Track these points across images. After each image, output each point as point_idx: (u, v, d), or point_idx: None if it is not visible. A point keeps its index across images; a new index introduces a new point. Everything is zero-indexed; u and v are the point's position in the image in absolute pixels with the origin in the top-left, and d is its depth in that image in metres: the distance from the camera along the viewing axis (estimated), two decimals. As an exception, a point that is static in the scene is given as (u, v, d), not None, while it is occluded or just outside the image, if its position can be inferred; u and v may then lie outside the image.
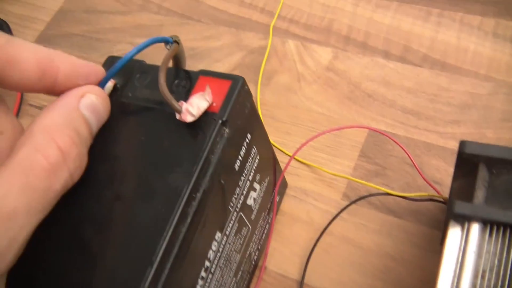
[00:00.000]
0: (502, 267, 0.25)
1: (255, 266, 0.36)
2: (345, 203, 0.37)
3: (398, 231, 0.35)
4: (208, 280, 0.29)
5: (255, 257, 0.36)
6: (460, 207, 0.26)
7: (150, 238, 0.24)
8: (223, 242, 0.30)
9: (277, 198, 0.37)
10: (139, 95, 0.29)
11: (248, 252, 0.34)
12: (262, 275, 0.36)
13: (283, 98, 0.43)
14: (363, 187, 0.37)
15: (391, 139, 0.37)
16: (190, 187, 0.25)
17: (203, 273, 0.29)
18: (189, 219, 0.25)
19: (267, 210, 0.36)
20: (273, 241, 0.38)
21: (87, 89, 0.26)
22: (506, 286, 0.25)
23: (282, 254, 0.37)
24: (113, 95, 0.29)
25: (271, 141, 0.39)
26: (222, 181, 0.28)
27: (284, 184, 0.39)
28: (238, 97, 0.29)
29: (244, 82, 0.29)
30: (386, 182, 0.37)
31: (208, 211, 0.27)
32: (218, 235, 0.30)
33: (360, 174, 0.38)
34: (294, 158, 0.39)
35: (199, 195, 0.26)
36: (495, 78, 0.40)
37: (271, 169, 0.35)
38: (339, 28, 0.45)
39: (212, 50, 0.46)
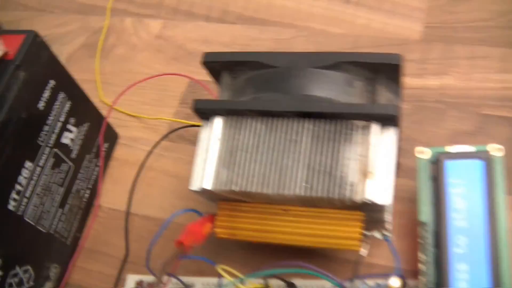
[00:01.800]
0: (238, 146, 0.31)
1: (89, 204, 0.42)
2: (165, 142, 0.42)
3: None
4: (24, 203, 0.34)
5: (86, 195, 0.41)
6: (200, 103, 0.32)
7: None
8: (37, 172, 0.35)
9: (105, 145, 0.42)
10: None
11: (75, 189, 0.40)
12: (97, 212, 0.41)
13: (119, 66, 0.48)
14: (184, 130, 0.43)
15: (204, 86, 0.43)
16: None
17: (15, 195, 0.34)
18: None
19: (93, 154, 0.41)
20: (106, 183, 0.43)
21: None
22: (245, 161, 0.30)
23: (114, 193, 0.42)
24: None
25: (107, 101, 0.44)
26: (23, 116, 0.33)
27: (115, 135, 0.44)
28: (31, 47, 0.34)
29: (36, 35, 0.35)
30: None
31: (11, 139, 0.32)
32: (28, 164, 0.35)
33: (180, 118, 0.44)
34: (125, 112, 0.45)
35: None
36: (297, 25, 0.47)
37: (90, 116, 0.41)
38: (169, 2, 0.51)
39: (61, 36, 0.52)
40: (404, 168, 0.39)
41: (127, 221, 0.40)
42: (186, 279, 0.36)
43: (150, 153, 0.41)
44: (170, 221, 0.33)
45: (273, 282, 0.35)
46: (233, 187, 0.30)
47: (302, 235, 0.32)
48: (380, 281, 0.33)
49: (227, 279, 0.31)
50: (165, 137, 0.42)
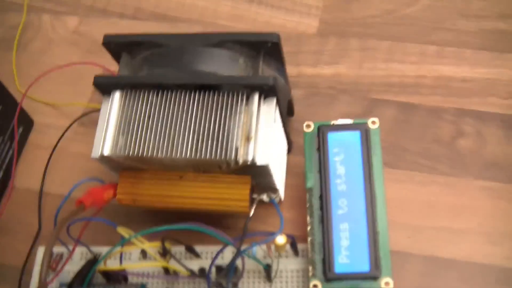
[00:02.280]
0: (134, 116, 0.34)
1: (3, 186, 0.43)
2: (79, 127, 0.45)
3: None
4: None
5: (-1, 177, 0.43)
6: (100, 79, 0.35)
7: None
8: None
9: (20, 129, 0.45)
10: None
11: (-13, 170, 0.42)
12: (11, 193, 0.43)
13: (35, 58, 0.51)
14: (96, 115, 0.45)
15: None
16: None
17: None
18: None
19: (7, 137, 0.43)
20: (21, 166, 0.45)
21: None
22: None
23: (29, 175, 0.44)
24: None
25: (22, 90, 0.46)
26: None
27: (30, 121, 0.47)
28: None
29: None
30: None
31: None
32: None
33: (94, 103, 0.46)
34: (40, 101, 0.47)
35: None
36: (205, 21, 0.50)
37: (3, 102, 0.43)
38: (85, 1, 0.54)
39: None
40: (296, 146, 0.42)
41: (40, 199, 0.42)
42: (95, 248, 0.38)
43: (63, 136, 0.44)
44: (75, 188, 0.36)
45: (175, 249, 0.38)
46: (129, 152, 0.33)
47: (196, 198, 0.35)
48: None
49: (125, 237, 0.33)
50: (77, 120, 0.44)
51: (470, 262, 0.37)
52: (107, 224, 0.35)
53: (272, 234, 0.34)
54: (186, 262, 0.37)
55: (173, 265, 0.36)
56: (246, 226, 0.34)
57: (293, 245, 0.36)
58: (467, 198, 0.39)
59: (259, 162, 0.33)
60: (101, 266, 0.35)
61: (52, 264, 0.39)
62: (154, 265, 0.37)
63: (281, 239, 0.34)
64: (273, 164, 0.34)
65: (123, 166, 0.36)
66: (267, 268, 0.36)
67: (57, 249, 0.39)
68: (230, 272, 0.34)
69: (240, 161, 0.33)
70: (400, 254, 0.38)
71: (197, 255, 0.37)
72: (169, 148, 0.33)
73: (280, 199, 0.38)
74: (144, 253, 0.38)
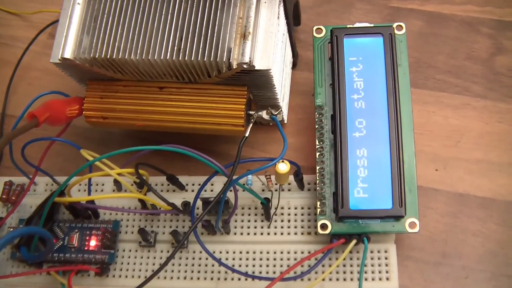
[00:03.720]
0: (102, 10, 0.27)
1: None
2: (48, 40, 0.38)
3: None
4: None
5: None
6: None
7: None
8: None
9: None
10: None
11: None
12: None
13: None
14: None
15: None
16: None
17: None
18: None
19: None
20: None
21: None
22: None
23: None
24: None
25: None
26: None
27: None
28: None
29: None
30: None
31: None
32: None
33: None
34: (7, 10, 0.41)
35: None
36: None
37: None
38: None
39: None
40: (303, 61, 0.36)
41: (2, 122, 0.36)
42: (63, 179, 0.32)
43: (27, 49, 0.37)
44: (33, 102, 0.29)
45: (155, 179, 0.32)
46: (95, 54, 0.27)
47: (180, 115, 0.29)
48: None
49: (88, 159, 0.27)
50: (44, 29, 0.37)
51: (506, 201, 0.31)
52: (70, 145, 0.28)
53: (273, 160, 0.27)
54: (167, 195, 0.30)
55: (151, 198, 0.29)
56: (240, 148, 0.27)
57: (298, 175, 0.30)
58: (505, 126, 0.32)
59: (259, 65, 0.26)
60: (64, 198, 0.29)
61: (11, 196, 0.33)
62: (128, 196, 0.31)
63: (283, 166, 0.27)
64: (276, 70, 0.27)
65: (91, 75, 0.29)
66: (266, 204, 0.29)
67: (18, 179, 0.33)
68: (220, 206, 0.28)
69: (234, 64, 0.26)
70: (425, 190, 0.31)
71: (181, 186, 0.31)
72: (145, 49, 0.26)
73: (282, 120, 0.31)
74: (119, 185, 0.31)
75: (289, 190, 0.31)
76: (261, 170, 0.27)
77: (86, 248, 0.30)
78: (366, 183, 0.28)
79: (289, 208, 0.30)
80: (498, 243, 0.30)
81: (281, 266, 0.29)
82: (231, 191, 0.28)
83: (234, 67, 0.26)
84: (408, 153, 0.28)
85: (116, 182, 0.31)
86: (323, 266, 0.29)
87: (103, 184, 0.33)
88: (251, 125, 0.29)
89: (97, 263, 0.30)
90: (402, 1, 0.37)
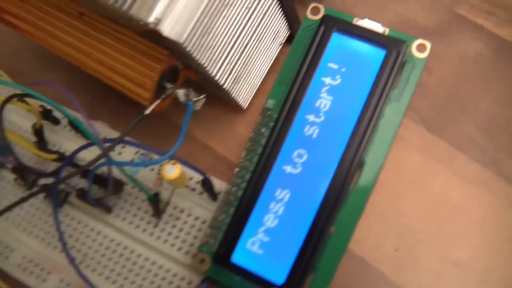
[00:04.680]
0: None
1: None
2: None
3: None
4: None
5: None
6: None
7: None
8: None
9: None
10: None
11: None
12: None
13: None
14: None
15: None
16: None
17: None
18: None
19: None
20: None
21: None
22: None
23: None
24: None
25: None
26: None
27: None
28: None
29: None
30: None
31: None
32: None
33: None
34: None
35: None
36: None
37: None
38: None
39: None
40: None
41: None
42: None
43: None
44: None
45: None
46: None
47: (91, 56, 0.22)
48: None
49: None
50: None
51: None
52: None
53: (163, 155, 0.20)
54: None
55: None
56: (133, 125, 0.20)
57: (206, 184, 0.23)
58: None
59: (168, 32, 0.18)
60: None
61: None
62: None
63: (170, 170, 0.20)
64: (205, 44, 0.20)
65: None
66: (153, 199, 0.23)
67: None
68: (88, 180, 0.21)
69: (140, 18, 0.18)
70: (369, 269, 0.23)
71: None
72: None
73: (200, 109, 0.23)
74: None
75: (200, 193, 0.24)
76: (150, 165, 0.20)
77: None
78: (269, 237, 0.20)
79: (188, 215, 0.24)
80: None
81: (137, 275, 0.23)
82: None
83: (140, 23, 0.19)
84: (346, 220, 0.20)
85: None
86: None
87: None
88: (159, 101, 0.21)
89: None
90: (474, 11, 0.27)
